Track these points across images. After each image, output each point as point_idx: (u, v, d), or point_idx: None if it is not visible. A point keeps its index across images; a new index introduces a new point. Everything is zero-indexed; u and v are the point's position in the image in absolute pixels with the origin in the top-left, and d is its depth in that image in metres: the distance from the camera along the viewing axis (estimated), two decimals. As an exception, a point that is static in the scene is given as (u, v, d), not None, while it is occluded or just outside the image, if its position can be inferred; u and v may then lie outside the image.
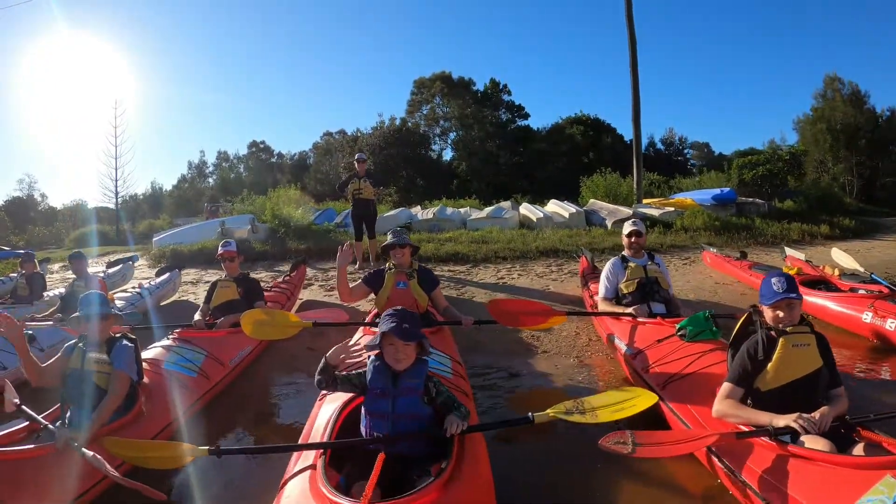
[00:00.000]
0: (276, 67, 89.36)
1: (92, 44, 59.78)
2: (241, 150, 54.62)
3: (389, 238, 3.97)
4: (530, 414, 2.34)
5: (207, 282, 8.07)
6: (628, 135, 39.59)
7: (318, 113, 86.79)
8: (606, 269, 4.25)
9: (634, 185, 14.55)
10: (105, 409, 2.72)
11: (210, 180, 54.92)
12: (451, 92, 31.35)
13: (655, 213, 12.23)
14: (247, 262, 9.55)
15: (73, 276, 6.25)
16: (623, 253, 4.32)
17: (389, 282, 3.90)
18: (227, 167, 55.23)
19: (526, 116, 32.99)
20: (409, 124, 31.89)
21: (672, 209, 12.66)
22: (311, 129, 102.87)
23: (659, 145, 39.04)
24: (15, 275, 8.66)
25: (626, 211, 11.67)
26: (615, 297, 4.17)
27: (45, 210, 46.05)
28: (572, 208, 12.19)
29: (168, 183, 57.93)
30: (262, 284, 5.13)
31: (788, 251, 7.61)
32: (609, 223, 11.14)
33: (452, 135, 32.74)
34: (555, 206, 13.18)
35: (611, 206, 12.50)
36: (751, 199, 14.67)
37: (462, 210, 14.16)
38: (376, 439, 2.16)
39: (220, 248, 4.85)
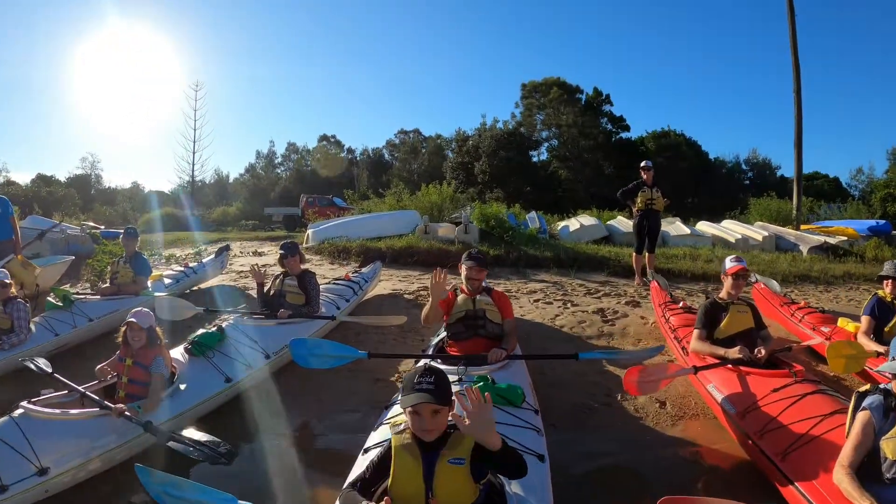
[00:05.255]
0: (345, 62, 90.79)
1: (152, 30, 62.09)
2: (310, 143, 55.15)
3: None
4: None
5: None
6: (713, 152, 40.36)
7: (388, 111, 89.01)
8: None
9: (794, 210, 16.33)
10: None
11: (279, 171, 55.45)
12: (568, 98, 32.69)
13: (832, 241, 13.92)
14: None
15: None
16: None
17: None
18: (297, 158, 55.58)
19: (627, 128, 34.70)
20: (521, 129, 33.62)
21: (844, 238, 14.36)
22: (381, 127, 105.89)
23: (744, 167, 39.54)
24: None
25: (815, 238, 13.41)
26: None
27: (105, 189, 46.61)
28: (764, 231, 13.96)
29: (234, 171, 58.49)
30: None
31: None
32: (804, 250, 12.86)
33: (555, 142, 34.49)
34: (737, 227, 14.96)
35: (793, 231, 14.25)
36: (900, 232, 16.25)
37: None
38: None
39: (729, 264, 4.17)
